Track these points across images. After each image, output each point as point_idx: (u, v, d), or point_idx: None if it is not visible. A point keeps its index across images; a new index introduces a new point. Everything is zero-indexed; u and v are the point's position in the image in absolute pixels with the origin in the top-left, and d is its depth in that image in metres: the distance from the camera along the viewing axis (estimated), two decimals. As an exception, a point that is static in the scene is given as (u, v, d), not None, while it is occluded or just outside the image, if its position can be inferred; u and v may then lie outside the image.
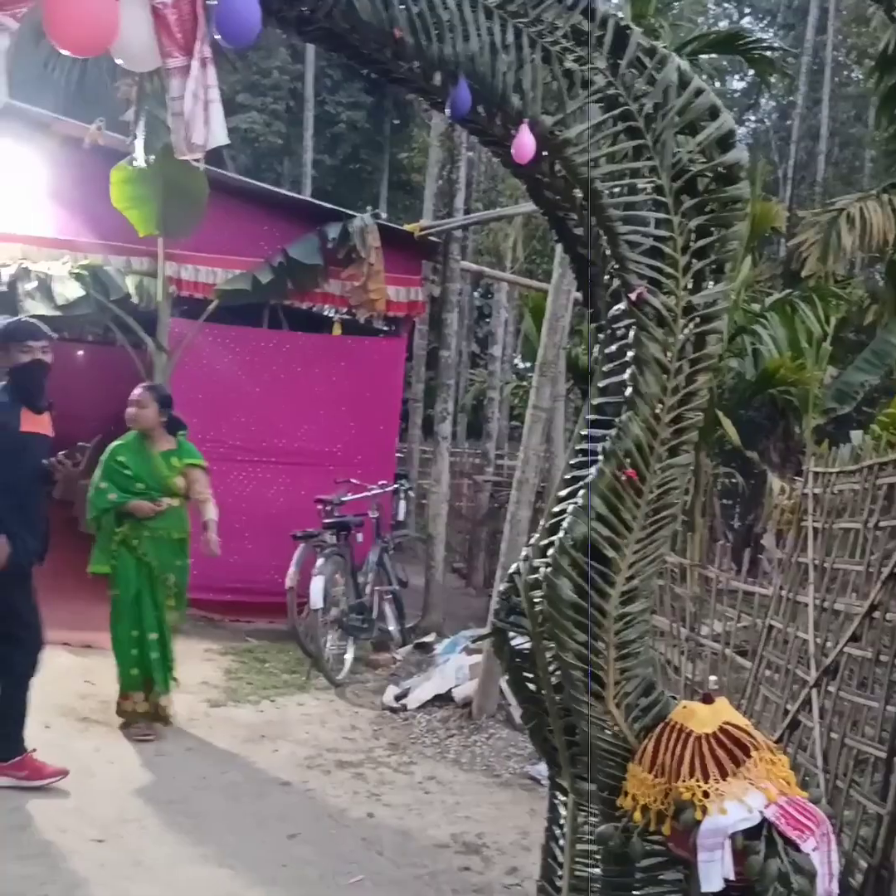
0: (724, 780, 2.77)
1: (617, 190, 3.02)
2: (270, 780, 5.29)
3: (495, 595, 6.28)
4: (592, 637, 2.98)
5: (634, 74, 3.00)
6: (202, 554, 5.89)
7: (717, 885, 2.70)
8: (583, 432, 3.35)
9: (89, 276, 7.95)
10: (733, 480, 12.53)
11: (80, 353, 13.21)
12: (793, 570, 4.84)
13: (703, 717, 2.92)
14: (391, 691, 6.90)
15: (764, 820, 2.72)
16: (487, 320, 21.84)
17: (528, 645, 3.30)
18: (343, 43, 2.90)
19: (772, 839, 2.70)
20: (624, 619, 3.02)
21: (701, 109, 3.07)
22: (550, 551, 3.06)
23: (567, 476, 3.33)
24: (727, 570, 5.96)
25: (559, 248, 6.22)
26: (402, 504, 9.30)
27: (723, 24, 27.06)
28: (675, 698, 3.19)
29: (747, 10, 31.02)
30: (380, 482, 8.40)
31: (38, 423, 4.89)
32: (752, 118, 29.68)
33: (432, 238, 9.23)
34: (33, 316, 7.08)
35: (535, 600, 3.14)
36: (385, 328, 10.00)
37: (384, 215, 12.83)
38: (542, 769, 5.15)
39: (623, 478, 2.99)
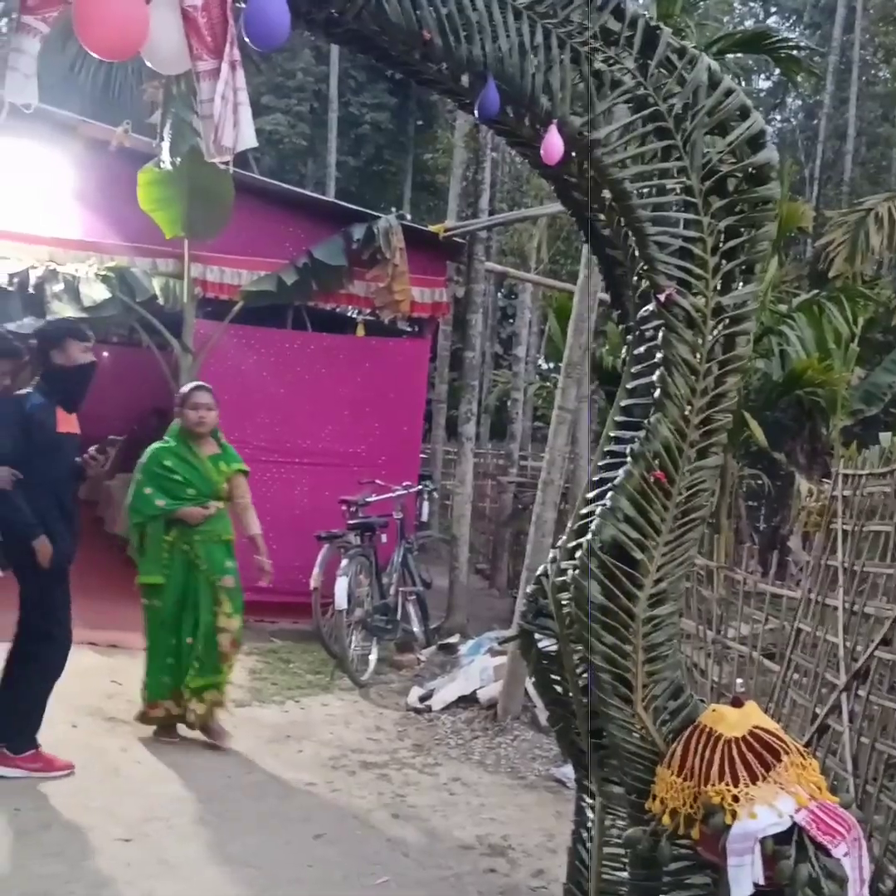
0: (754, 784, 2.76)
1: (646, 191, 3.01)
2: (295, 780, 5.29)
3: (520, 596, 6.27)
4: (620, 640, 2.97)
5: (664, 74, 2.99)
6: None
7: (747, 890, 2.68)
8: (611, 434, 3.34)
9: (116, 278, 8.00)
10: (759, 482, 12.45)
11: (105, 354, 13.30)
12: (821, 572, 4.80)
13: (733, 721, 2.91)
14: (415, 692, 6.89)
15: (794, 825, 2.70)
16: (511, 321, 21.82)
17: (555, 647, 3.29)
18: (371, 44, 2.91)
19: (802, 844, 2.68)
20: (652, 622, 3.01)
21: (731, 109, 3.06)
22: (578, 553, 3.05)
23: (595, 478, 3.32)
24: (753, 572, 5.92)
25: (585, 248, 6.21)
26: (426, 505, 9.30)
27: (748, 23, 26.92)
28: (703, 701, 3.17)
29: (773, 10, 30.81)
30: (404, 483, 8.40)
31: (70, 423, 4.99)
32: (779, 117, 29.49)
33: (457, 239, 9.23)
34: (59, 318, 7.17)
35: (563, 603, 3.13)
36: (409, 329, 10.00)
37: (408, 216, 12.82)
38: (567, 771, 5.13)
39: (651, 480, 2.98)
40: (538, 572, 3.42)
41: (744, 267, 3.13)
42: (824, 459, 11.33)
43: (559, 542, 3.37)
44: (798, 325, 10.87)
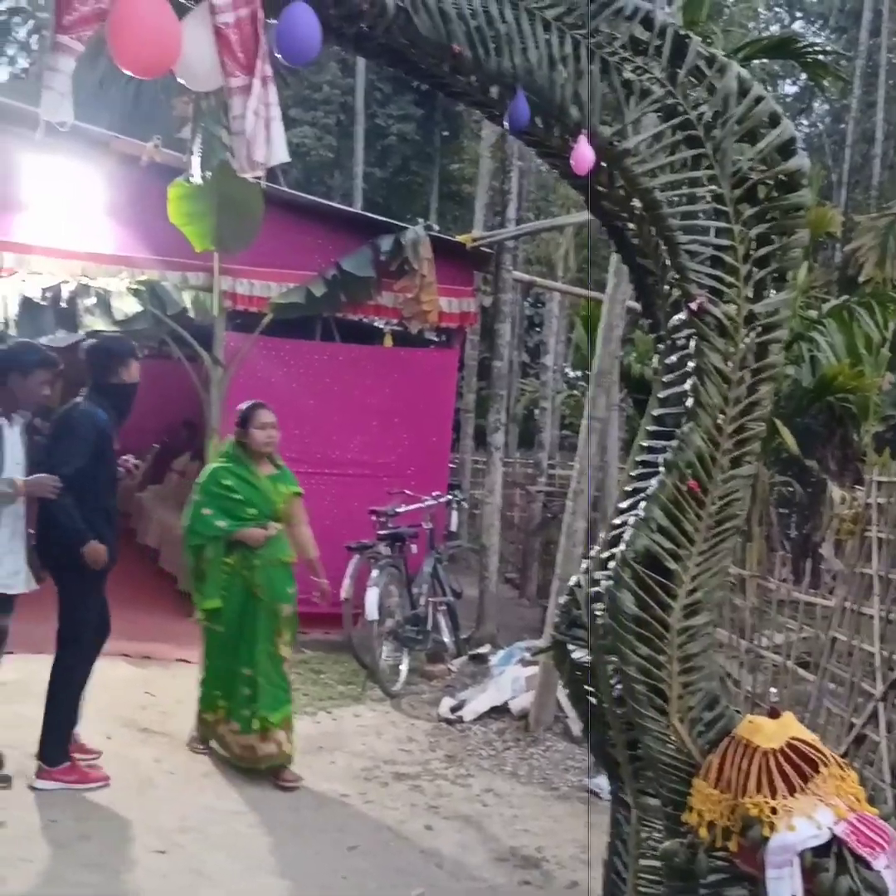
0: (792, 796, 2.73)
1: (676, 199, 3.00)
2: (328, 791, 5.30)
3: (551, 606, 6.25)
4: (655, 651, 2.95)
5: (693, 83, 2.99)
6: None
7: (787, 903, 2.65)
8: (643, 443, 3.33)
9: (147, 292, 8.07)
10: (790, 489, 12.36)
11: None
12: (856, 581, 4.76)
13: (770, 732, 2.88)
14: (446, 703, 6.88)
15: (833, 837, 2.67)
16: (538, 330, 21.80)
17: (588, 658, 3.28)
18: (401, 58, 2.92)
19: (842, 856, 2.65)
20: (687, 632, 2.99)
21: (761, 117, 3.05)
22: (612, 564, 3.04)
23: (627, 488, 3.31)
24: (786, 580, 5.88)
25: (614, 257, 6.19)
26: (455, 515, 9.30)
27: (774, 29, 26.83)
28: (738, 712, 3.15)
29: (799, 14, 30.72)
30: (433, 493, 8.40)
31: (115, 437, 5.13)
32: (806, 122, 29.35)
33: (484, 248, 9.24)
34: (92, 331, 7.25)
35: (597, 613, 3.11)
36: (437, 339, 10.01)
37: (435, 227, 12.86)
38: (600, 782, 5.11)
39: (685, 489, 2.96)
40: (571, 583, 3.41)
41: (776, 274, 3.11)
42: (855, 466, 11.24)
43: (591, 552, 3.36)
44: (828, 331, 10.80)
